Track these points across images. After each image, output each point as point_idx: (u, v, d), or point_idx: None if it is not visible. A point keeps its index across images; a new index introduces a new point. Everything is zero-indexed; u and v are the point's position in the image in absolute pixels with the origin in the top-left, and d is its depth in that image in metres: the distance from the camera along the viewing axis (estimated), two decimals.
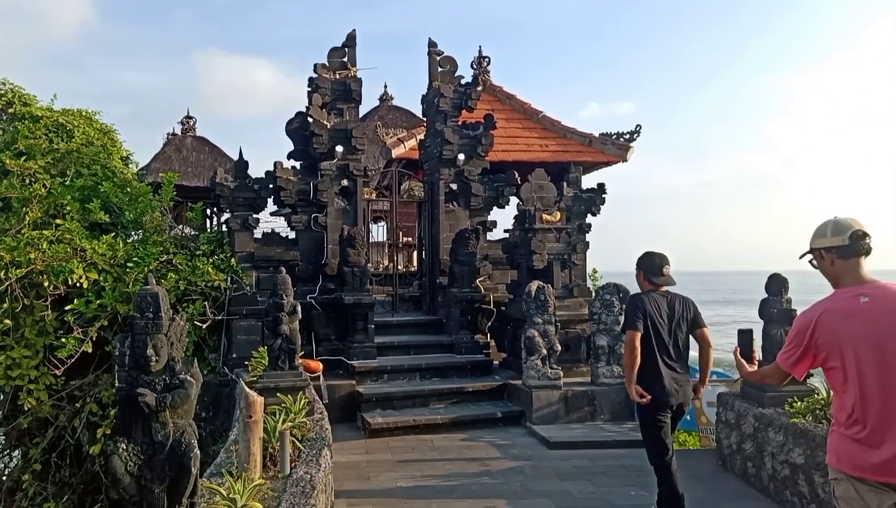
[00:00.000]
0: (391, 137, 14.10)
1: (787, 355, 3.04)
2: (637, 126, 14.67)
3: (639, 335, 4.80)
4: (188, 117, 20.00)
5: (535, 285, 8.76)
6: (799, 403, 5.54)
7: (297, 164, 10.25)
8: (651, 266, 5.03)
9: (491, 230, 12.23)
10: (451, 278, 10.20)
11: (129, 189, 10.16)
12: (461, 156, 10.88)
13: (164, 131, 20.28)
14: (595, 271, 13.15)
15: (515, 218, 10.72)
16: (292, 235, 10.49)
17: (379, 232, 18.49)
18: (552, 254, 10.05)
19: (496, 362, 10.09)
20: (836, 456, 2.94)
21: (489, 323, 10.45)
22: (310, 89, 10.11)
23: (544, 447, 7.43)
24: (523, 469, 6.58)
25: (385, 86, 21.06)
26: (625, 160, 14.66)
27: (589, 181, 13.98)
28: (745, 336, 3.42)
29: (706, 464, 6.69)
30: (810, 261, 3.07)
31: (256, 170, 10.02)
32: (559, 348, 8.65)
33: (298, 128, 10.01)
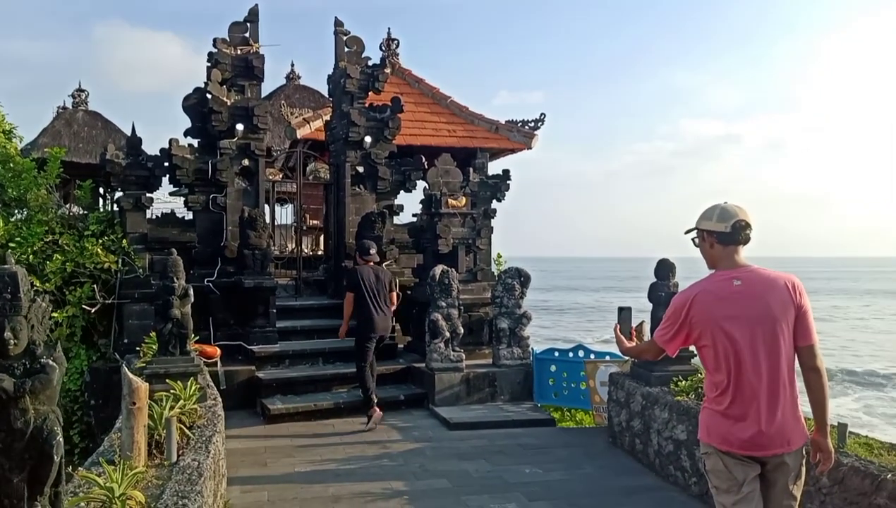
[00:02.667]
0: (296, 117, 13.78)
1: (662, 332, 3.16)
2: (541, 114, 14.94)
3: (353, 295, 7.70)
4: (80, 90, 18.86)
5: (439, 269, 8.81)
6: (683, 382, 5.83)
7: (195, 142, 9.87)
8: (363, 248, 8.00)
9: (398, 214, 12.19)
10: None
11: (11, 164, 9.52)
12: (368, 139, 10.76)
13: (56, 105, 19.00)
14: (499, 256, 13.38)
15: (422, 202, 10.73)
16: (190, 216, 10.12)
17: (285, 214, 18.12)
18: (457, 239, 10.14)
19: (401, 345, 10.10)
20: (706, 431, 3.10)
21: (394, 307, 10.44)
22: (209, 64, 9.72)
23: (445, 428, 7.51)
24: (423, 451, 6.64)
25: (292, 65, 20.51)
26: (530, 147, 14.92)
27: (495, 167, 14.18)
28: (624, 313, 3.57)
29: (598, 441, 6.95)
30: (692, 239, 3.18)
31: (156, 148, 9.59)
32: (462, 331, 8.76)
33: (196, 104, 9.61)
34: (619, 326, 3.58)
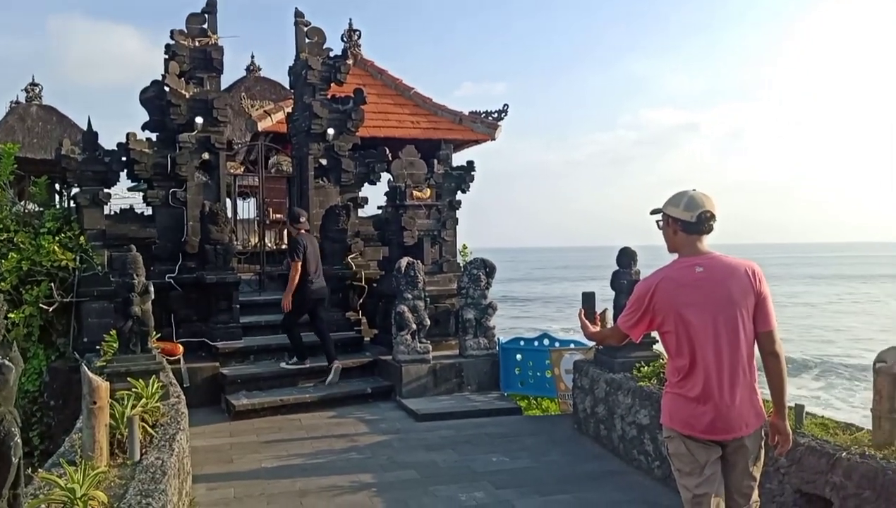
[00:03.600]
0: (257, 109, 13.61)
1: (626, 317, 3.20)
2: (505, 105, 14.98)
3: (300, 263, 8.20)
4: (33, 84, 18.35)
5: (405, 261, 8.80)
6: (646, 367, 5.93)
7: (154, 136, 9.68)
8: (295, 216, 8.73)
9: (362, 206, 12.12)
10: (322, 255, 10.04)
11: None
12: (331, 131, 10.68)
13: (9, 100, 18.45)
14: (465, 247, 13.42)
15: (386, 194, 10.70)
16: (149, 211, 9.93)
17: (247, 208, 17.89)
18: (423, 231, 10.13)
19: (367, 338, 10.09)
20: (668, 416, 3.16)
21: (360, 300, 10.42)
22: (167, 57, 9.53)
23: (412, 419, 7.53)
24: (391, 443, 6.65)
25: (252, 57, 20.23)
26: (493, 138, 14.96)
27: (459, 159, 14.19)
28: (588, 298, 3.61)
29: (563, 428, 7.03)
30: (657, 221, 3.21)
31: (114, 142, 9.38)
32: (429, 322, 8.77)
33: (154, 97, 9.43)
34: (583, 311, 3.61)
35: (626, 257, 6.63)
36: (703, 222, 3.05)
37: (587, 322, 3.57)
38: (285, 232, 8.75)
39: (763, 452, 3.10)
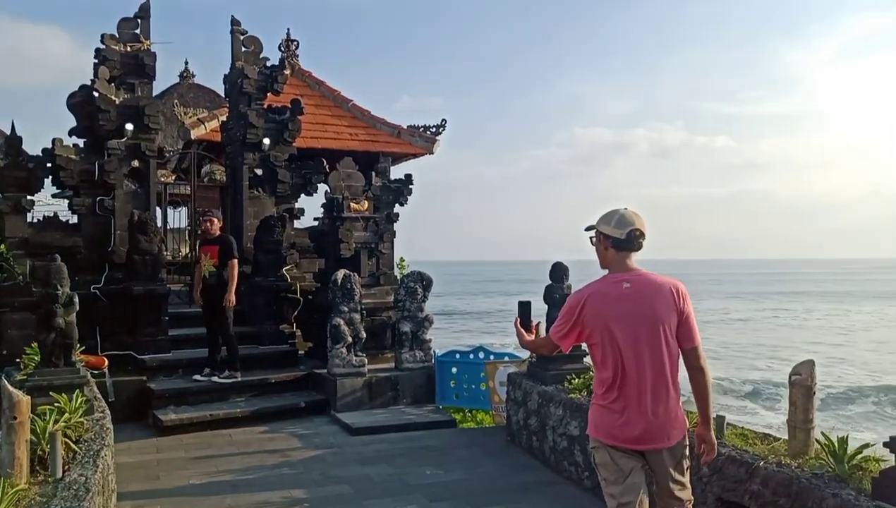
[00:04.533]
0: (191, 117, 13.35)
1: (557, 329, 3.30)
2: (443, 120, 15.12)
3: (198, 266, 8.48)
4: None
5: (341, 274, 8.76)
6: (576, 380, 6.06)
7: (81, 143, 9.38)
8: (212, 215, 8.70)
9: (298, 218, 12.02)
10: (256, 267, 9.90)
11: None
12: (267, 141, 10.56)
13: None
14: (402, 260, 13.43)
15: (323, 206, 10.64)
16: (75, 220, 9.59)
17: (178, 217, 17.46)
18: (360, 243, 10.11)
19: (302, 352, 9.97)
20: (594, 427, 3.26)
21: (295, 313, 10.29)
22: (97, 61, 9.26)
23: (347, 433, 7.47)
24: (325, 457, 6.58)
25: (186, 63, 19.78)
26: (431, 153, 15.07)
27: (397, 172, 14.24)
28: (524, 307, 3.68)
29: (497, 440, 7.11)
30: (590, 237, 3.32)
31: (39, 147, 9.04)
32: (364, 335, 8.73)
33: (82, 102, 9.14)
34: (519, 320, 3.69)
35: (559, 272, 6.79)
36: (633, 240, 3.17)
37: (522, 330, 3.66)
38: (211, 228, 8.51)
39: (687, 458, 3.23)
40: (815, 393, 4.03)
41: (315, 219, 11.63)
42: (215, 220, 8.61)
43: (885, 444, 3.37)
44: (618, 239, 3.18)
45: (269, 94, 10.81)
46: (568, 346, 3.34)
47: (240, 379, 8.35)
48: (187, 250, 14.45)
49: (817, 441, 3.93)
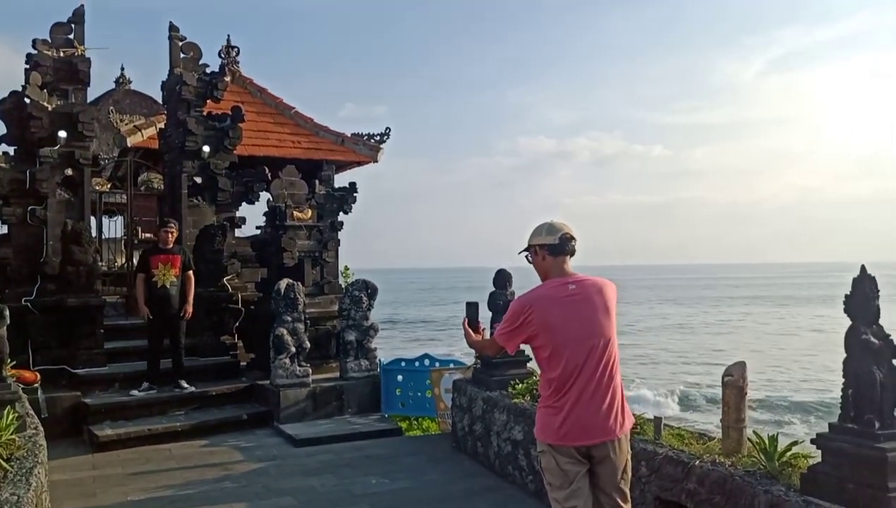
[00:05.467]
0: (127, 124, 13.01)
1: (502, 330, 3.36)
2: (387, 128, 15.14)
3: (143, 276, 8.23)
4: None
5: (284, 283, 8.66)
6: (520, 385, 6.14)
7: (12, 150, 9.05)
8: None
9: (240, 226, 11.84)
10: (196, 276, 9.69)
11: None
12: (206, 148, 10.37)
13: None
14: (347, 268, 13.36)
15: (266, 214, 10.51)
16: (5, 230, 9.23)
17: (114, 227, 16.97)
18: (303, 252, 10.02)
19: (244, 363, 9.80)
20: (541, 429, 3.32)
21: (237, 323, 10.12)
22: (28, 67, 8.96)
23: (291, 445, 7.38)
24: (268, 470, 6.49)
25: (122, 69, 19.28)
26: (376, 161, 15.06)
27: (341, 180, 14.15)
28: (472, 308, 3.75)
29: (443, 447, 7.13)
30: (526, 257, 3.45)
31: None
32: (309, 345, 8.65)
33: (13, 109, 8.82)
34: (466, 321, 3.75)
35: (502, 278, 6.88)
36: (566, 243, 3.31)
37: (470, 331, 3.72)
38: (170, 238, 8.37)
39: (629, 461, 3.32)
40: (746, 394, 4.19)
41: (257, 227, 11.48)
42: (175, 230, 8.49)
43: (813, 441, 3.53)
44: (552, 244, 3.31)
45: (208, 101, 10.63)
46: (514, 348, 3.43)
47: (186, 391, 8.19)
48: (123, 260, 14.04)
49: (749, 439, 4.09)
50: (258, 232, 11.45)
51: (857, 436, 3.27)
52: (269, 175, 10.94)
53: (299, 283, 8.87)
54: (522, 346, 3.54)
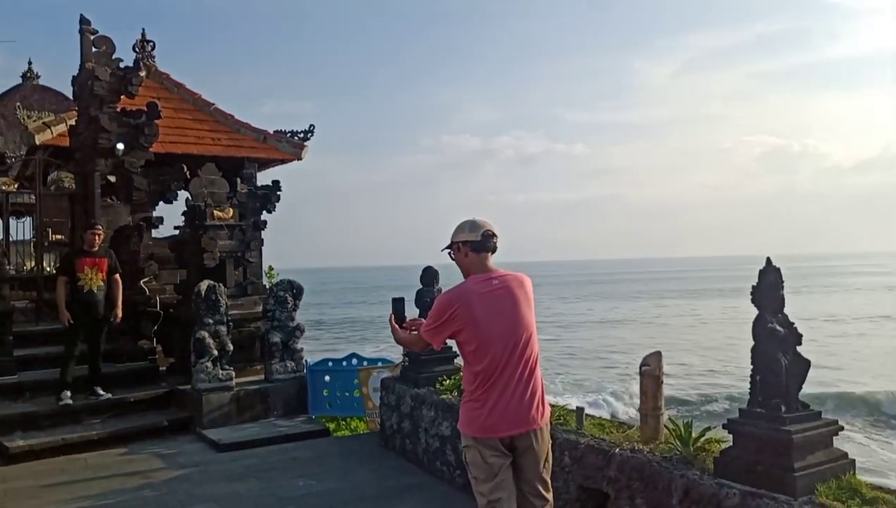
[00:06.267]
0: (35, 121, 12.37)
1: (428, 326, 3.40)
2: (311, 126, 14.91)
3: (66, 279, 7.80)
4: None
5: (205, 284, 8.43)
6: (448, 381, 6.18)
7: None
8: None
9: (157, 227, 11.47)
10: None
11: None
12: (121, 146, 9.98)
13: None
14: (271, 268, 13.11)
15: (184, 214, 10.20)
16: None
17: (22, 228, 16.13)
18: (225, 252, 9.77)
19: (164, 368, 9.50)
20: (466, 423, 3.37)
21: (155, 327, 9.79)
22: None
23: (214, 450, 7.20)
24: (190, 476, 6.31)
25: (30, 63, 18.39)
26: (300, 158, 14.82)
27: (264, 178, 13.88)
28: (398, 303, 3.76)
29: (371, 446, 7.11)
30: (449, 253, 3.49)
31: None
32: (231, 348, 8.44)
33: None
34: (393, 316, 3.75)
35: (429, 275, 6.88)
36: (488, 239, 3.38)
37: (396, 326, 3.73)
38: (97, 240, 8.04)
39: (550, 452, 3.40)
40: (662, 382, 4.35)
41: (175, 227, 11.13)
42: (101, 232, 8.22)
43: (724, 426, 3.69)
44: (475, 241, 3.38)
45: (122, 97, 10.23)
46: (440, 343, 3.48)
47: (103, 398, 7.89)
48: (33, 264, 13.37)
49: (666, 426, 4.25)
50: (177, 232, 11.11)
51: (765, 420, 3.43)
52: (187, 173, 10.64)
53: (221, 285, 8.66)
54: (449, 342, 3.58)
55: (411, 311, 6.89)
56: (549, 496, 3.38)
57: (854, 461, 3.52)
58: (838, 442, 3.56)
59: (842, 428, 3.59)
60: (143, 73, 12.32)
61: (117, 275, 8.18)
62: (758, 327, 3.51)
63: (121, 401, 8.10)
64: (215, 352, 8.17)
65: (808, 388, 3.55)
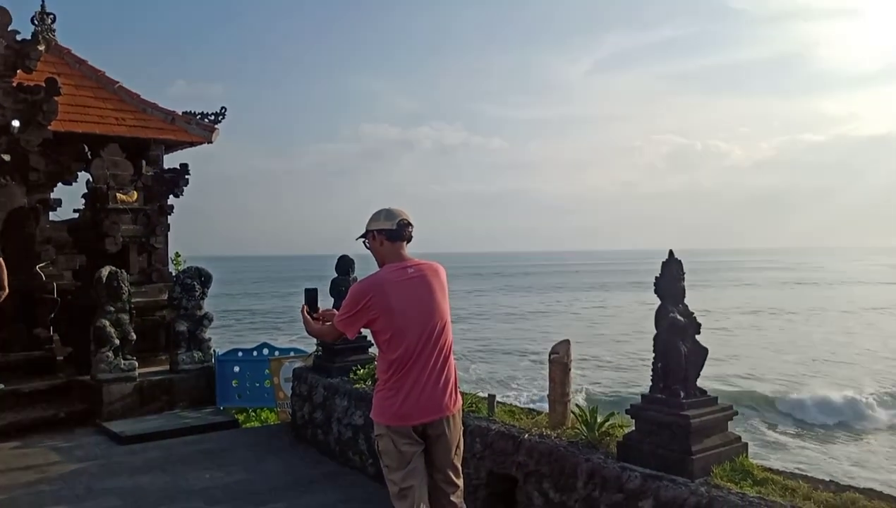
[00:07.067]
0: None
1: (341, 316, 3.37)
2: (222, 108, 14.39)
3: None
4: None
5: (106, 270, 8.09)
6: (361, 370, 6.16)
7: None
8: None
9: (54, 209, 10.81)
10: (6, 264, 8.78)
11: None
12: (16, 123, 9.36)
13: None
14: (178, 255, 12.66)
15: (85, 196, 9.71)
16: None
17: None
18: (128, 237, 9.40)
19: (61, 358, 9.02)
20: (379, 411, 3.36)
21: (52, 315, 9.28)
22: None
23: (116, 443, 6.94)
24: (89, 470, 6.05)
25: None
26: (210, 141, 14.28)
27: (172, 161, 13.34)
28: (310, 293, 3.71)
29: (282, 437, 7.00)
30: (364, 242, 3.47)
31: None
32: (135, 337, 8.15)
33: None
34: (305, 307, 3.69)
35: (344, 264, 6.83)
36: (403, 229, 3.37)
37: (308, 317, 3.67)
38: None
39: (462, 439, 3.45)
40: (570, 370, 4.48)
41: (75, 210, 10.57)
42: None
43: (627, 411, 3.84)
44: (390, 229, 3.36)
45: (19, 71, 9.62)
46: (354, 333, 3.44)
47: None
48: None
49: (573, 412, 4.38)
50: (76, 215, 10.55)
51: (666, 405, 3.59)
52: (88, 153, 10.10)
53: (123, 271, 8.34)
54: (364, 331, 3.56)
55: (326, 301, 6.83)
56: (460, 482, 3.42)
57: (746, 444, 3.73)
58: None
59: (736, 413, 3.81)
60: (41, 47, 11.59)
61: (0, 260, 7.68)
62: (660, 316, 3.66)
63: (14, 392, 7.67)
64: (117, 341, 7.85)
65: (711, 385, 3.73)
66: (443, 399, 3.29)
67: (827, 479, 3.46)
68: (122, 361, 7.87)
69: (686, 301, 3.74)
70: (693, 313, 3.72)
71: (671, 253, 3.70)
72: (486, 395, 5.13)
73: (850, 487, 3.28)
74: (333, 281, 6.85)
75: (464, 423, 3.52)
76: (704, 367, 3.68)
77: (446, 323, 3.36)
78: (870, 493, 3.18)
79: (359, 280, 3.56)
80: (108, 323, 7.83)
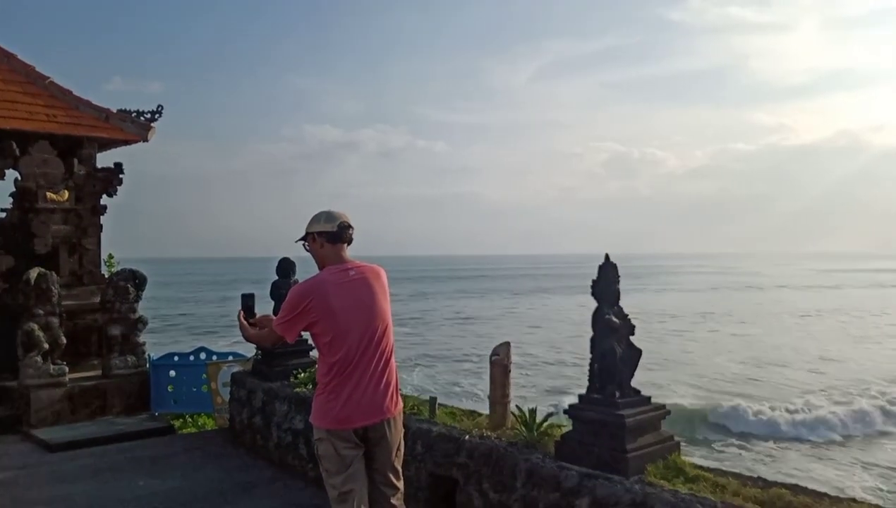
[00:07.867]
0: None
1: (281, 320, 3.33)
2: (159, 106, 14.03)
3: None
4: None
5: (35, 272, 7.82)
6: (302, 374, 6.10)
7: None
8: None
9: None
10: None
11: None
12: None
13: None
14: (111, 257, 12.29)
15: (12, 195, 9.34)
16: None
17: None
18: (58, 238, 9.08)
19: None
20: (319, 415, 3.34)
21: None
22: None
23: (45, 451, 6.71)
24: (16, 479, 5.83)
25: None
26: (146, 140, 13.90)
27: (105, 159, 12.94)
28: (247, 299, 3.65)
29: (219, 443, 6.88)
30: (303, 245, 3.44)
31: None
32: (65, 341, 7.90)
33: None
34: (242, 313, 3.64)
35: (285, 267, 6.75)
36: (344, 231, 3.36)
37: (245, 323, 3.62)
38: None
39: (402, 441, 3.45)
40: (510, 372, 4.54)
41: (2, 210, 10.16)
42: None
43: (565, 412, 3.92)
44: (330, 232, 3.35)
45: None
46: (294, 337, 3.39)
47: None
48: None
49: (513, 413, 4.44)
50: (3, 215, 10.14)
51: (602, 405, 3.68)
52: (16, 150, 9.73)
53: (53, 273, 8.08)
54: (304, 335, 3.53)
55: (266, 304, 6.74)
56: (400, 484, 3.43)
57: (679, 443, 3.85)
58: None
59: (669, 412, 3.93)
60: None
61: None
62: (596, 318, 3.75)
63: None
64: (46, 346, 7.59)
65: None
66: (384, 401, 3.30)
67: (755, 476, 3.61)
68: (52, 366, 7.61)
69: (621, 303, 3.85)
70: (627, 315, 3.82)
71: (607, 257, 3.80)
72: (428, 398, 5.15)
73: (776, 483, 3.43)
74: (274, 285, 6.77)
75: (405, 426, 3.53)
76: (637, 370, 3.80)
77: (388, 326, 3.36)
78: (795, 488, 3.33)
79: (298, 283, 3.53)
80: (36, 326, 7.56)
